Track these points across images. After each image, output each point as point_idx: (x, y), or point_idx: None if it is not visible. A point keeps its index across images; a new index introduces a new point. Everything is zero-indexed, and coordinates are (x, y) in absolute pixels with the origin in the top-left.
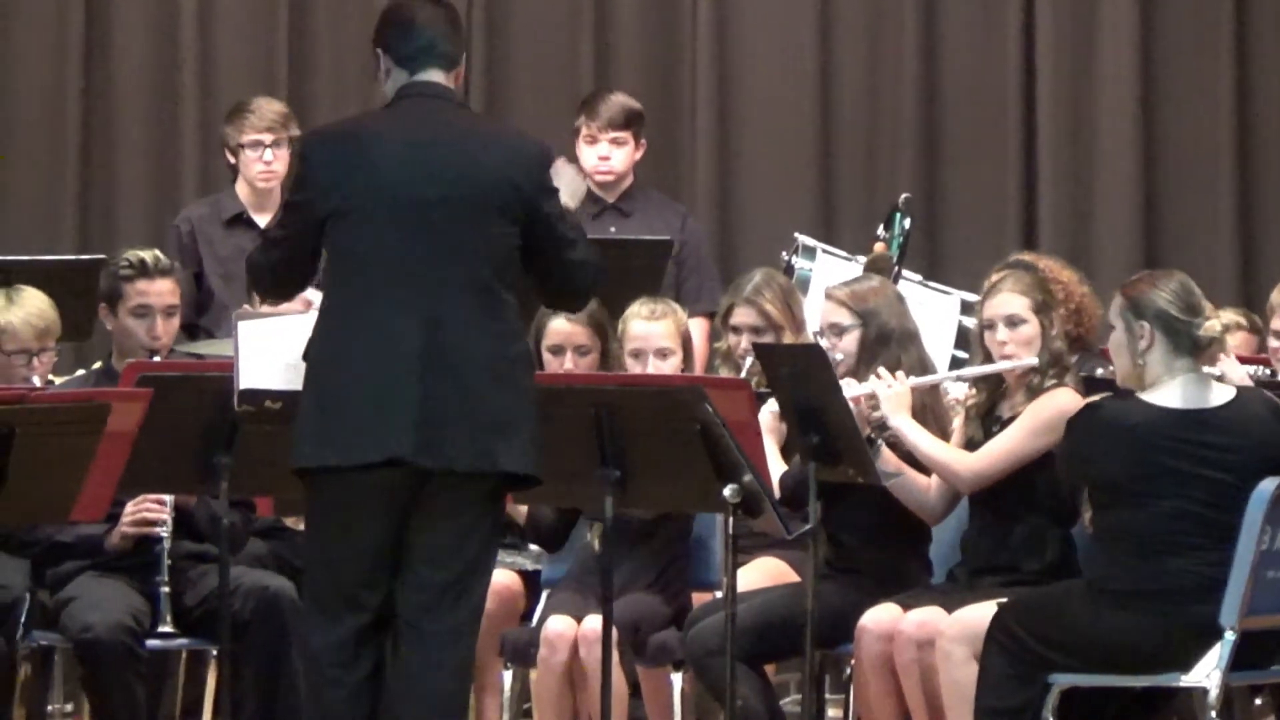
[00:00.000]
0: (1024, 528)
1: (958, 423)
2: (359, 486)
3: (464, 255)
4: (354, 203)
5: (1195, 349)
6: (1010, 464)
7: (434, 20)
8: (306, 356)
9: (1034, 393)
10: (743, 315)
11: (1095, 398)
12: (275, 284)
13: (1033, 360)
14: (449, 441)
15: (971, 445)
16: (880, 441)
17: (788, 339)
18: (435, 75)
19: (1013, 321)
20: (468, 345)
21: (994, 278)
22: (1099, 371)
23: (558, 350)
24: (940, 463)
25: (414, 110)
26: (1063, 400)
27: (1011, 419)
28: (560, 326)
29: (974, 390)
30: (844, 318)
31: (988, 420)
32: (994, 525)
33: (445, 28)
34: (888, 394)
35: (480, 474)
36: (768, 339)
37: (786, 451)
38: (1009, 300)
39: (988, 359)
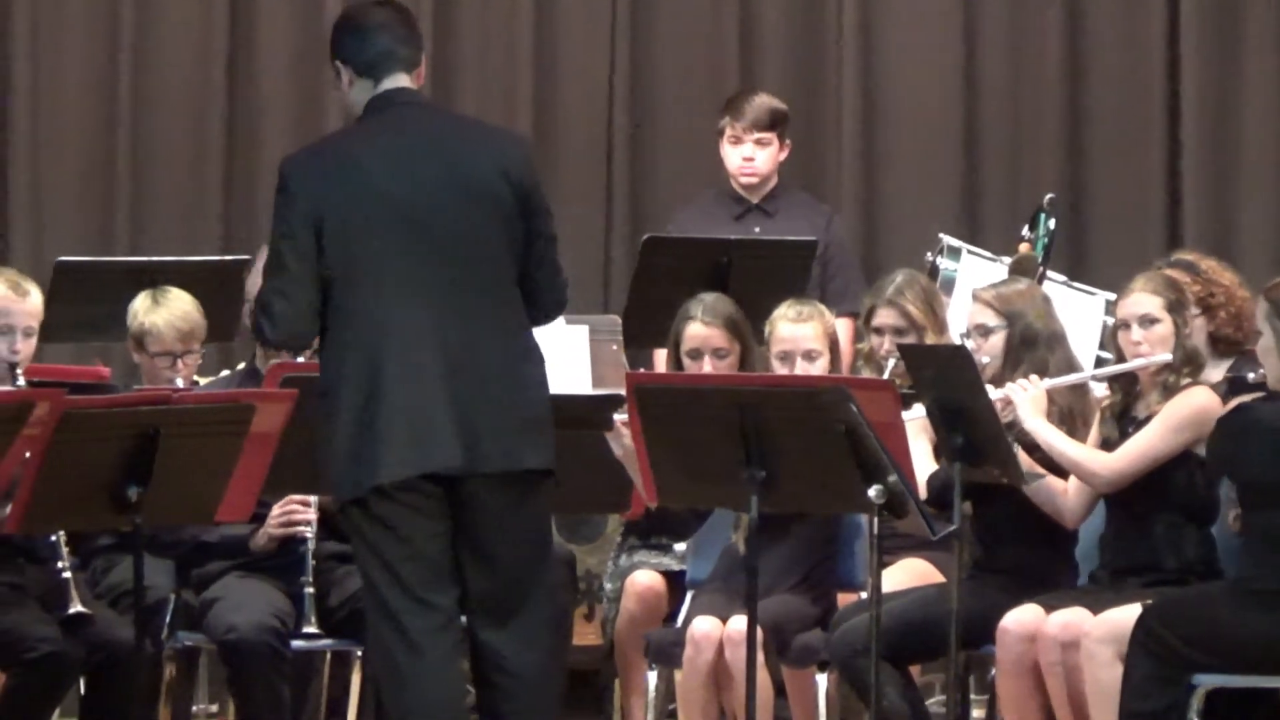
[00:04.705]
0: (1161, 526)
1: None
2: (400, 501)
3: (468, 256)
4: (348, 217)
5: None
6: (1148, 463)
7: (389, 24)
8: (324, 384)
9: (1169, 391)
10: (885, 316)
11: (1247, 398)
12: (292, 315)
13: (1166, 356)
14: (482, 445)
15: (1107, 445)
16: (1016, 445)
17: (930, 340)
18: (401, 80)
19: (1146, 321)
20: (485, 346)
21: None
22: (1250, 376)
23: (695, 354)
24: (1078, 464)
25: (391, 119)
26: (1199, 398)
27: (1147, 418)
28: (698, 331)
29: (1110, 390)
30: (990, 319)
31: (1123, 420)
32: (1130, 525)
33: (401, 30)
34: (1023, 397)
35: (507, 474)
36: (909, 340)
37: (939, 453)
38: (1142, 300)
39: (1122, 359)
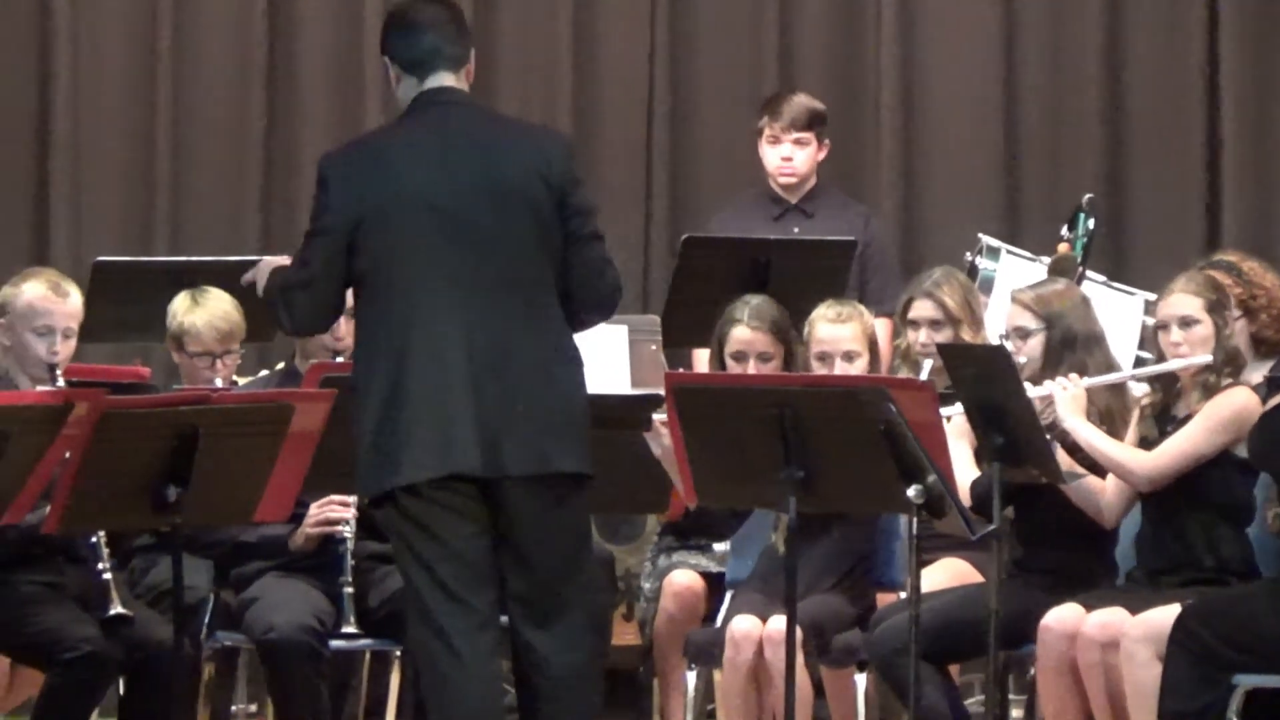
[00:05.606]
0: (1196, 525)
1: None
2: (434, 500)
3: (500, 256)
4: (381, 215)
5: None
6: (1188, 463)
7: (436, 21)
8: (354, 380)
9: (1209, 391)
10: (921, 308)
11: None
12: (311, 309)
13: (1206, 358)
14: (505, 448)
15: (1146, 444)
16: (1055, 444)
17: (965, 334)
18: (445, 78)
19: (1186, 322)
20: (513, 347)
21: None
22: None
23: (740, 357)
24: (1117, 463)
25: (431, 118)
26: (1240, 398)
27: (1187, 418)
28: (743, 334)
29: (1150, 389)
30: (1029, 321)
31: (1162, 419)
32: (1165, 525)
33: (448, 27)
34: (1063, 396)
35: (537, 477)
36: (945, 333)
37: (980, 457)
38: (1182, 301)
39: (1163, 359)
